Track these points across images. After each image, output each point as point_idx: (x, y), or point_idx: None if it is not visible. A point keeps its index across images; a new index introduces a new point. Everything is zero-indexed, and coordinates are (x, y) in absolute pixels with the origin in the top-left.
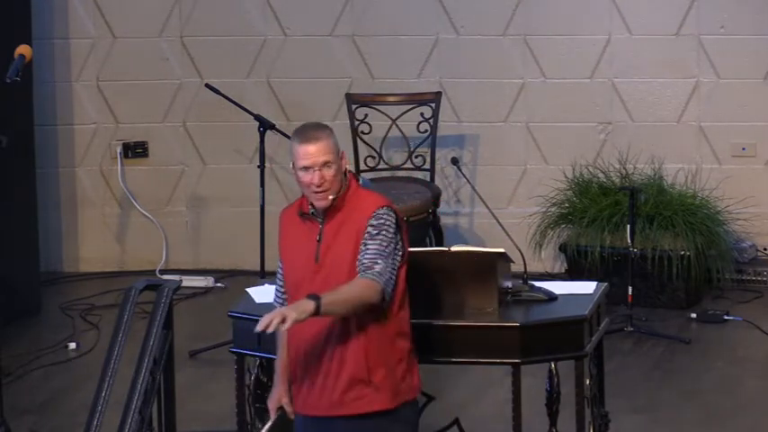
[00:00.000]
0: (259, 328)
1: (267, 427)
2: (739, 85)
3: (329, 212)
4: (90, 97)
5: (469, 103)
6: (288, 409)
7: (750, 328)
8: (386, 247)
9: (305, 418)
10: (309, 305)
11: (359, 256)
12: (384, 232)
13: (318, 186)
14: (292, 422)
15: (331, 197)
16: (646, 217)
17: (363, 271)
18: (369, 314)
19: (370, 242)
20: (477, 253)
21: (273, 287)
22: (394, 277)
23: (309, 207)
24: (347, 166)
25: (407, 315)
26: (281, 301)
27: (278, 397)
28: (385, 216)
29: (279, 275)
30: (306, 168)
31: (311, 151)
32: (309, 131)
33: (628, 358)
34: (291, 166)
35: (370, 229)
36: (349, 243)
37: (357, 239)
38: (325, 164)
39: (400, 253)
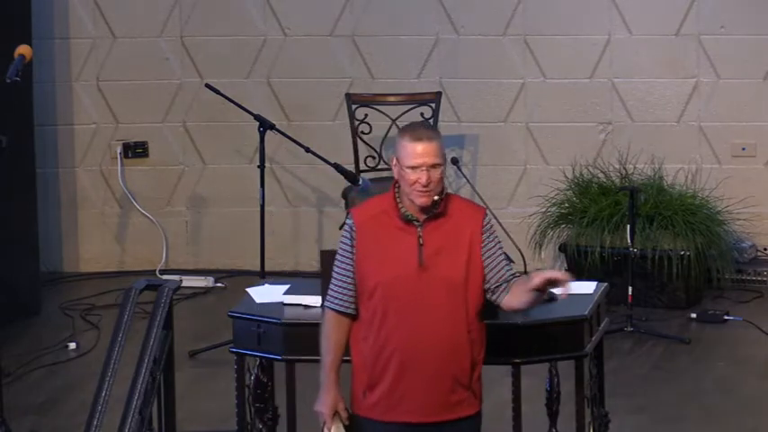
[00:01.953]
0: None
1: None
2: (739, 85)
3: (430, 216)
4: (90, 97)
5: (469, 103)
6: (343, 414)
7: (750, 328)
8: (503, 251)
9: (389, 425)
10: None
11: (497, 271)
12: (496, 236)
13: (425, 186)
14: (347, 428)
15: (434, 197)
16: (646, 217)
17: (512, 274)
18: (476, 316)
19: (497, 254)
20: None
21: (275, 287)
22: None
23: (402, 209)
24: None
25: None
26: (344, 304)
27: (334, 402)
28: (492, 221)
29: (345, 277)
30: (414, 167)
31: (421, 151)
32: (422, 130)
33: (628, 358)
34: (393, 161)
35: (487, 238)
36: (460, 248)
37: (471, 244)
38: (434, 165)
39: None
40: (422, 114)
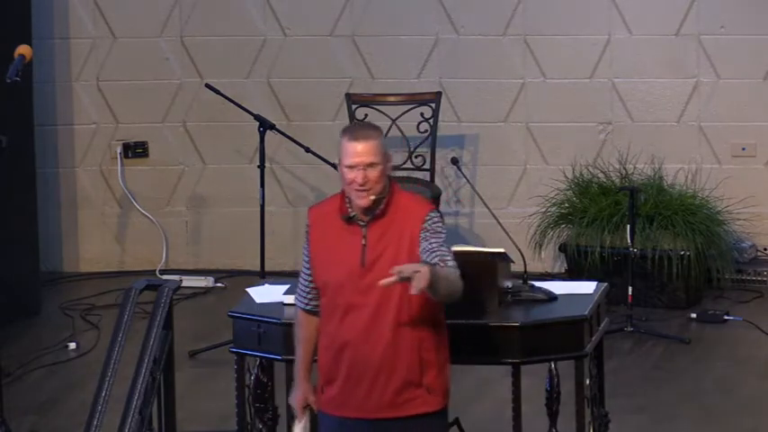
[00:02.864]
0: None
1: (303, 423)
2: (739, 85)
3: (373, 216)
4: (90, 97)
5: (469, 103)
6: (315, 407)
7: (750, 328)
8: (446, 245)
9: (343, 420)
10: (430, 274)
11: (428, 254)
12: (440, 234)
13: (361, 186)
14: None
15: (372, 197)
16: (646, 217)
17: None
18: (424, 314)
19: (434, 243)
20: (477, 253)
21: (275, 287)
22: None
23: (349, 209)
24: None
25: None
26: (305, 301)
27: (304, 396)
28: (437, 219)
29: (305, 275)
30: (351, 167)
31: (358, 150)
32: (359, 130)
33: (628, 358)
34: (338, 162)
35: (425, 234)
36: (401, 247)
37: (411, 244)
38: (371, 164)
39: None
40: (422, 114)
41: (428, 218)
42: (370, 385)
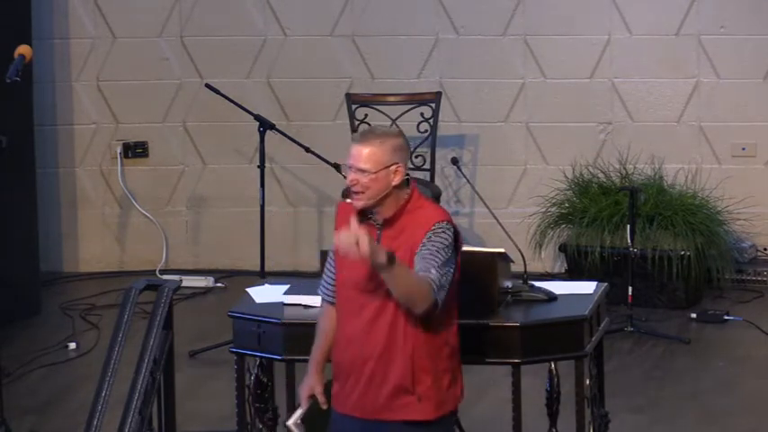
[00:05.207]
0: (337, 242)
1: (299, 414)
2: (739, 85)
3: (388, 220)
4: (90, 97)
5: (469, 103)
6: (320, 398)
7: (750, 328)
8: (440, 256)
9: (345, 416)
10: (383, 255)
11: (415, 263)
12: (439, 243)
13: (351, 186)
14: (323, 413)
15: (362, 203)
16: (646, 217)
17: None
18: (419, 322)
19: (424, 250)
20: (477, 253)
21: (275, 287)
22: (446, 287)
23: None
24: (405, 176)
25: (456, 328)
26: (328, 293)
27: (311, 385)
28: (443, 229)
29: (329, 267)
30: (349, 166)
31: (353, 153)
32: (366, 134)
33: (628, 358)
34: None
35: (425, 240)
36: (405, 254)
37: (413, 252)
38: (361, 170)
39: (454, 266)
40: (422, 114)
41: (435, 226)
42: (365, 386)
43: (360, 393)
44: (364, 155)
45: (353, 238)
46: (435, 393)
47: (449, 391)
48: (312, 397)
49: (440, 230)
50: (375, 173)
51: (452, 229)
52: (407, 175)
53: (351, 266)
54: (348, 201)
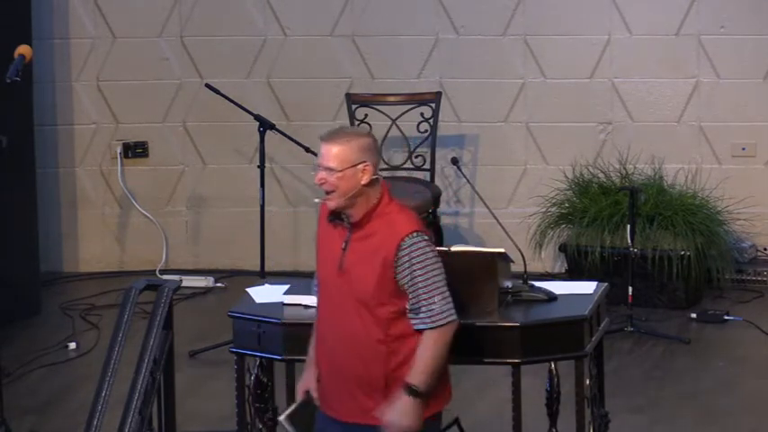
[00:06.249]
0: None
1: (292, 408)
2: (739, 85)
3: (358, 222)
4: (90, 97)
5: (469, 103)
6: (314, 395)
7: (750, 328)
8: (434, 277)
9: (327, 417)
10: (413, 406)
11: (411, 300)
12: (426, 265)
13: (319, 185)
14: (316, 408)
15: (334, 202)
16: (646, 217)
17: (421, 320)
18: (397, 328)
19: (418, 281)
20: (477, 253)
21: (275, 287)
22: (449, 296)
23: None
24: (373, 177)
25: None
26: (316, 290)
27: (306, 383)
28: (418, 246)
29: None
30: (318, 165)
31: (322, 151)
32: (333, 132)
33: (628, 358)
34: None
35: (402, 262)
36: (373, 265)
37: (383, 268)
38: (328, 169)
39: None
40: (422, 114)
41: (404, 244)
42: (341, 387)
43: (339, 395)
44: (332, 153)
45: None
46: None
47: (432, 395)
48: (307, 393)
49: (416, 249)
50: (342, 171)
51: (425, 237)
52: (377, 175)
53: (325, 265)
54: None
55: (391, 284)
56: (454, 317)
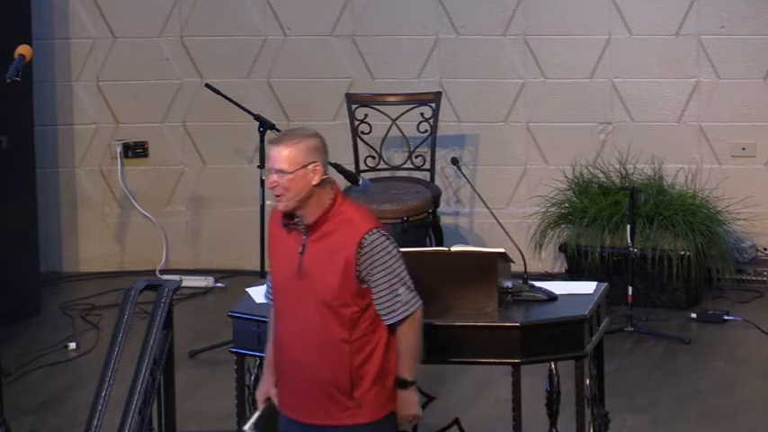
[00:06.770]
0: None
1: (255, 417)
2: (739, 85)
3: (313, 223)
4: (90, 97)
5: (469, 103)
6: (275, 401)
7: (750, 328)
8: (396, 269)
9: (287, 419)
10: (412, 395)
11: (376, 296)
12: (386, 259)
13: (272, 189)
14: (279, 413)
15: (283, 204)
16: (646, 217)
17: (391, 315)
18: (360, 327)
19: (379, 276)
20: (477, 253)
21: None
22: (412, 285)
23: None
24: (323, 178)
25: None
26: (270, 297)
27: (266, 389)
28: (377, 243)
29: (269, 272)
30: (270, 169)
31: (272, 154)
32: (282, 135)
33: (628, 358)
34: None
35: (364, 260)
36: (335, 266)
37: (345, 268)
38: (278, 171)
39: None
40: (422, 114)
41: (365, 241)
42: (302, 390)
43: (303, 398)
44: (282, 156)
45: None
46: (375, 397)
47: (393, 392)
48: (268, 400)
49: (377, 246)
50: (292, 172)
51: (383, 232)
52: (327, 175)
53: (280, 269)
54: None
55: (354, 284)
56: (420, 301)
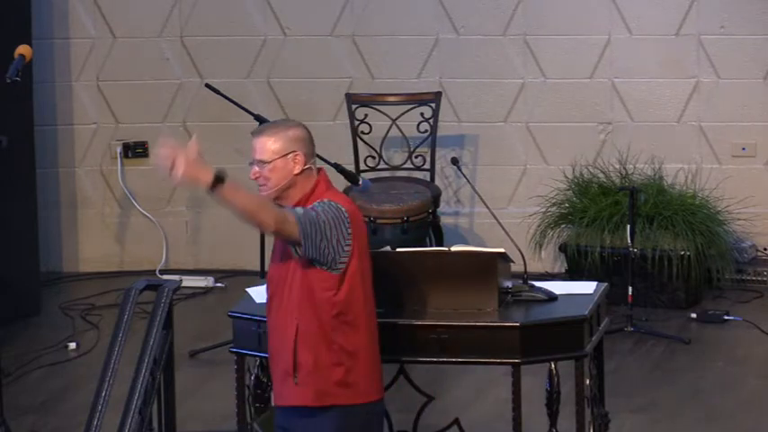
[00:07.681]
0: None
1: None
2: (739, 85)
3: None
4: (90, 97)
5: (469, 103)
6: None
7: (750, 328)
8: (309, 212)
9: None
10: (207, 174)
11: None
12: (315, 206)
13: (254, 179)
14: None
15: (265, 194)
16: (646, 217)
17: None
18: (311, 311)
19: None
20: (477, 253)
21: None
22: (314, 229)
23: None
24: (306, 167)
25: (365, 328)
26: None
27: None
28: (322, 203)
29: None
30: (251, 161)
31: (253, 145)
32: (262, 127)
33: (628, 358)
34: None
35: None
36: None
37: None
38: (259, 161)
39: (348, 244)
40: (422, 114)
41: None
42: (273, 372)
43: (275, 383)
44: (261, 147)
45: (171, 157)
46: (315, 382)
47: (338, 387)
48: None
49: (318, 203)
50: (271, 161)
51: (333, 205)
52: (310, 165)
53: (272, 255)
54: None
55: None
56: (302, 228)
